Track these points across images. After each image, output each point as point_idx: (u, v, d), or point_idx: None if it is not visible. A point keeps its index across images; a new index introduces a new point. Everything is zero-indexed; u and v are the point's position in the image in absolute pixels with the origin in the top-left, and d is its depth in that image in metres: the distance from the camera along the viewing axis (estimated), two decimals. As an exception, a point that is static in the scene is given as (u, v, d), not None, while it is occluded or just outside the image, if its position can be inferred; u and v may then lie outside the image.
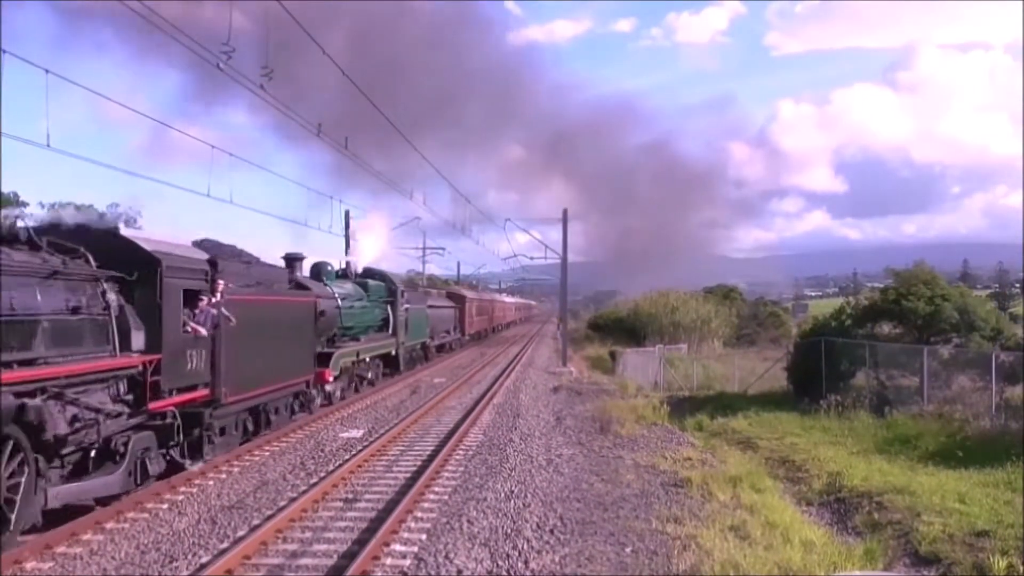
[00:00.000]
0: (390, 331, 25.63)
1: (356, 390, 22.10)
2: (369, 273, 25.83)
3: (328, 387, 19.05)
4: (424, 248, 52.68)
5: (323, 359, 18.39)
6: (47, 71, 11.93)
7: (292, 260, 19.17)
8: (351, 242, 31.37)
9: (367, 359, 22.81)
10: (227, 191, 21.27)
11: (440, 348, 39.12)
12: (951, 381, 22.57)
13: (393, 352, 25.87)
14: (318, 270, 21.27)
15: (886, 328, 28.97)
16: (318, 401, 18.48)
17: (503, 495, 11.15)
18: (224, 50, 11.59)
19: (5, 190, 36.16)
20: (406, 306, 27.31)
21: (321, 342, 18.59)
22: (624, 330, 55.90)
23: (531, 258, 41.57)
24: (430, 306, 34.58)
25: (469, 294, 52.20)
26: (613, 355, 42.68)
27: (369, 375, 23.56)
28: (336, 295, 20.35)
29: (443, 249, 54.78)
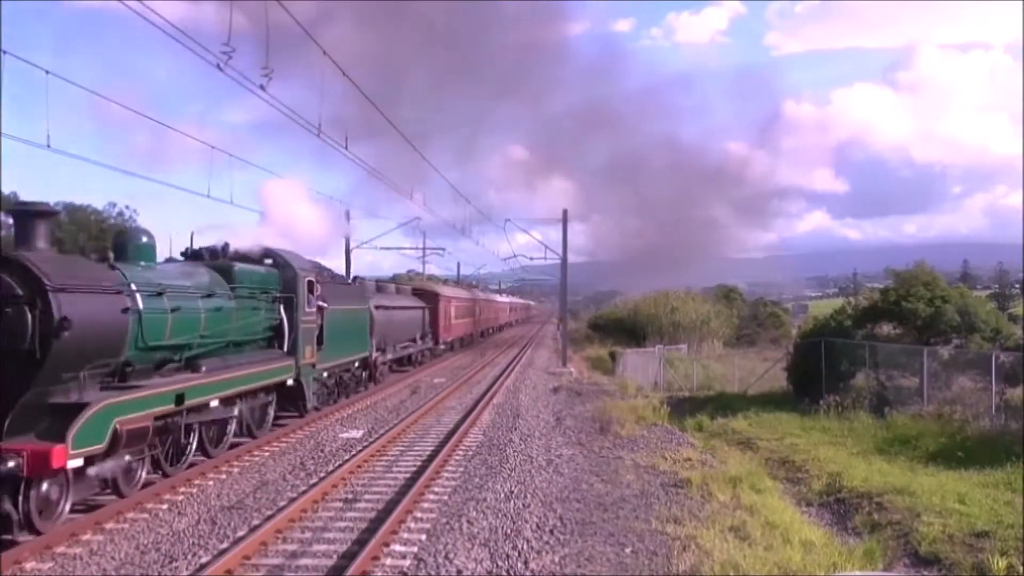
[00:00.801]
0: (285, 347, 15.98)
1: (180, 458, 12.08)
2: (252, 255, 16.13)
3: (91, 470, 9.54)
4: (424, 248, 52.34)
5: (57, 422, 8.92)
6: (47, 72, 11.95)
7: (24, 215, 9.97)
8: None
9: (214, 403, 12.53)
10: (228, 191, 21.10)
11: (401, 362, 30.25)
12: (951, 382, 22.59)
13: (290, 380, 15.97)
14: (122, 245, 11.79)
15: (886, 329, 29.00)
16: (64, 507, 9.17)
17: (503, 495, 11.15)
18: (224, 51, 11.59)
19: (5, 191, 36.20)
20: (318, 304, 17.52)
21: (78, 382, 9.57)
22: (624, 330, 55.90)
23: (531, 259, 41.60)
24: (379, 306, 25.13)
25: (446, 291, 41.78)
26: (613, 355, 42.71)
27: (230, 428, 13.68)
28: (135, 289, 10.81)
29: (443, 249, 54.43)
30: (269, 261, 16.54)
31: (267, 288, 15.80)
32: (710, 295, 61.56)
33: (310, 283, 17.20)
